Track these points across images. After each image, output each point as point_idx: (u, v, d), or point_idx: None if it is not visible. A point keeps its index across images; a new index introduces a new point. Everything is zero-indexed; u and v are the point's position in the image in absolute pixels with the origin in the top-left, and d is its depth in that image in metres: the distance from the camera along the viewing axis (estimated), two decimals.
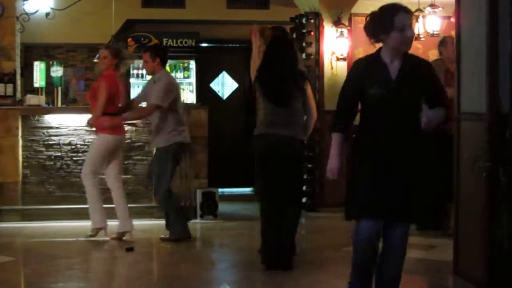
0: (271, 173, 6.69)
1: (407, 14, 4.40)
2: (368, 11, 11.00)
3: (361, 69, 4.63)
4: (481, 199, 5.55)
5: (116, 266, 7.27)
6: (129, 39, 11.56)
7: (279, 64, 6.60)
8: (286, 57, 6.69)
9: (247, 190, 11.49)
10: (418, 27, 11.36)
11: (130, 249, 7.56)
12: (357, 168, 4.65)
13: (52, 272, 6.90)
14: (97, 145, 8.16)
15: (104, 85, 7.90)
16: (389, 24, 4.35)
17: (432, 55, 11.81)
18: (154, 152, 8.47)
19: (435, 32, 11.27)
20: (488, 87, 5.45)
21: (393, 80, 4.42)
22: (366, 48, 11.52)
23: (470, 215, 5.87)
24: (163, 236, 8.14)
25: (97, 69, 8.51)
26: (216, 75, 12.48)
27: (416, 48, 11.88)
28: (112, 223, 8.12)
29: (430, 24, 11.31)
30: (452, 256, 6.25)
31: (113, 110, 8.00)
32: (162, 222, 8.89)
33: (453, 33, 10.16)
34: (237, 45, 11.37)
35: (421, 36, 11.40)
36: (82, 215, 8.65)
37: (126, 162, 9.20)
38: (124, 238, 8.03)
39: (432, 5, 11.19)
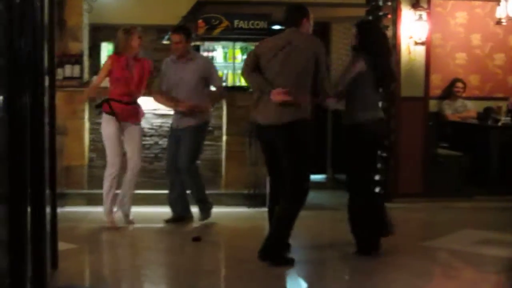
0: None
1: None
2: None
3: None
4: None
5: (181, 256, 6.90)
6: (200, 21, 11.25)
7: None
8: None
9: (319, 177, 11.08)
10: (500, 11, 10.86)
11: (196, 239, 7.20)
12: None
13: (115, 261, 6.64)
14: (141, 134, 8.03)
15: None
16: None
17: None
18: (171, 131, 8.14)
19: None
20: None
21: None
22: (444, 33, 11.09)
23: None
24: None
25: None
26: None
27: (496, 33, 11.35)
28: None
29: None
30: None
31: None
32: (232, 210, 8.64)
33: None
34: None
35: (502, 20, 10.86)
36: (148, 200, 8.53)
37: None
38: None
39: None
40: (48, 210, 5.07)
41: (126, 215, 7.82)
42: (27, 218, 3.84)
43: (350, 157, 6.75)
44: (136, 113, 7.77)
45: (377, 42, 6.81)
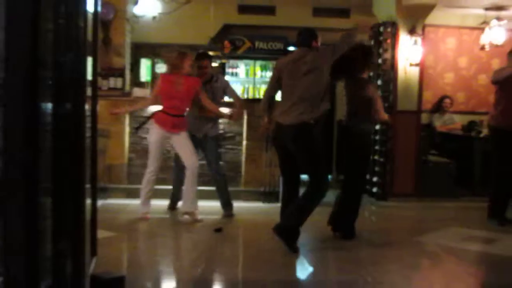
0: None
1: None
2: (439, 22, 10.62)
3: None
4: None
5: (205, 246, 6.74)
6: (226, 42, 11.15)
7: None
8: None
9: None
10: (484, 39, 10.78)
11: (218, 230, 7.04)
12: None
13: (147, 248, 6.48)
14: (187, 138, 7.63)
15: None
16: None
17: (494, 64, 11.22)
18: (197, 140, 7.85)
19: (499, 44, 10.65)
20: None
21: None
22: (436, 55, 10.97)
23: None
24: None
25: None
26: None
27: (480, 57, 11.27)
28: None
29: (495, 35, 10.67)
30: None
31: None
32: (249, 204, 8.49)
33: None
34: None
35: (486, 46, 10.78)
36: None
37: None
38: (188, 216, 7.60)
39: (498, 18, 10.53)
40: (88, 202, 4.96)
41: (188, 212, 7.58)
42: (69, 210, 3.73)
43: (362, 160, 6.84)
44: (180, 124, 7.53)
45: None
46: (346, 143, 7.05)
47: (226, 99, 8.35)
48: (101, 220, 6.15)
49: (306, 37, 6.52)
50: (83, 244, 4.10)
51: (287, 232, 6.21)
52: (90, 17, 4.82)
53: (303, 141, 6.23)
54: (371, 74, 9.54)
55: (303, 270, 5.95)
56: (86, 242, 4.22)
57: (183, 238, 7.10)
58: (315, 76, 6.25)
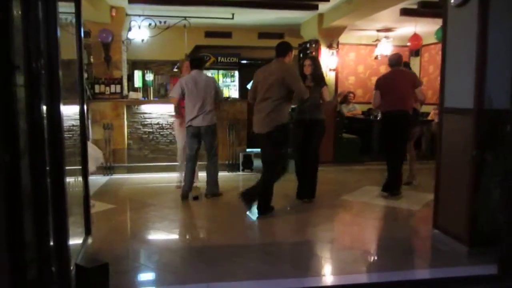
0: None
1: None
2: (349, 41, 9.66)
3: None
4: (463, 175, 3.76)
5: (186, 210, 5.55)
6: None
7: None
8: None
9: None
10: (376, 51, 10.01)
11: (196, 198, 5.84)
12: None
13: (144, 218, 5.22)
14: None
15: None
16: None
17: (382, 69, 10.46)
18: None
19: (387, 54, 9.85)
20: (476, 87, 3.59)
21: None
22: (344, 64, 10.00)
23: (451, 186, 4.00)
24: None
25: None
26: (250, 79, 10.66)
27: (372, 65, 10.45)
28: None
29: (384, 49, 9.83)
30: (432, 214, 4.39)
31: None
32: (220, 173, 7.27)
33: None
34: (263, 61, 9.66)
35: (378, 57, 9.97)
36: (166, 169, 7.28)
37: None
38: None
39: (386, 37, 9.71)
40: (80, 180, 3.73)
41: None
42: (47, 191, 2.55)
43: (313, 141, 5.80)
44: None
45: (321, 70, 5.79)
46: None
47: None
48: (107, 192, 4.96)
49: (283, 48, 5.14)
50: (65, 225, 2.82)
51: (263, 205, 5.19)
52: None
53: (273, 140, 5.05)
54: None
55: (262, 233, 4.82)
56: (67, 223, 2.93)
57: (169, 206, 5.71)
58: (278, 86, 4.98)
